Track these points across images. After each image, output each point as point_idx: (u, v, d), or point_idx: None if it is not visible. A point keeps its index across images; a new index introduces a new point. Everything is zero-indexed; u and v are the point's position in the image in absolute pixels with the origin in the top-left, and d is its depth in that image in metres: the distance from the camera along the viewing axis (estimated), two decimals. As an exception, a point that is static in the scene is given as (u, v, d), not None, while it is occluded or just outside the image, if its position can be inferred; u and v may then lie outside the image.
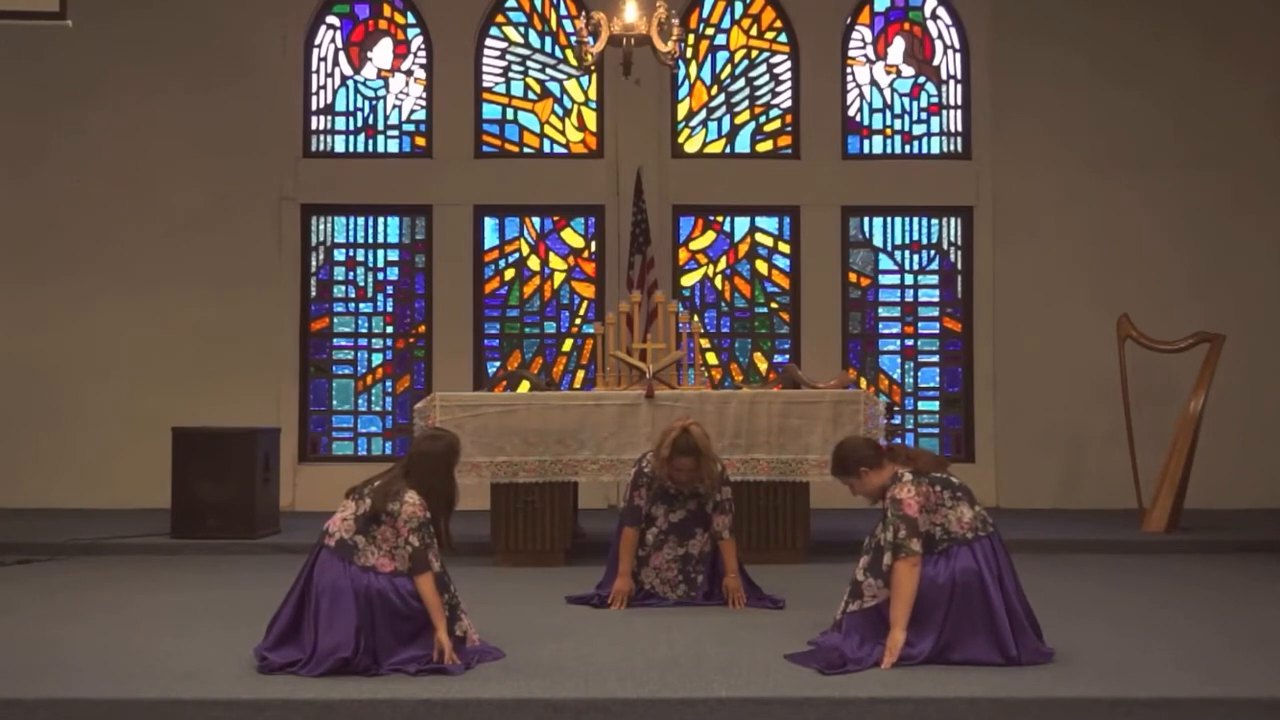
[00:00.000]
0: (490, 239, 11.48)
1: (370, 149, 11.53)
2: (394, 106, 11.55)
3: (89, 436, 10.97)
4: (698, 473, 6.19)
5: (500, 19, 11.61)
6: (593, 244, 11.47)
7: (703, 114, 11.59)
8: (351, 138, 11.55)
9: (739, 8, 11.62)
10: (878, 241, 11.52)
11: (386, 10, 11.60)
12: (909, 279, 11.50)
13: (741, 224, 11.52)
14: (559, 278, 11.48)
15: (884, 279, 11.50)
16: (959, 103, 11.55)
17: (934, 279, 11.51)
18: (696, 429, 6.22)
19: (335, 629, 4.71)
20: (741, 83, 11.59)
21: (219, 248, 11.17)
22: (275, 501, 9.22)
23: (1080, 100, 11.30)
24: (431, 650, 4.77)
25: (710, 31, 11.63)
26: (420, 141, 11.52)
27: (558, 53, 11.61)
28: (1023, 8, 11.37)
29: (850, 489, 5.27)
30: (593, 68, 10.49)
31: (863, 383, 11.18)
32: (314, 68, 11.54)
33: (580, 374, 11.35)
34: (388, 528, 4.86)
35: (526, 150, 11.56)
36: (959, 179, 11.37)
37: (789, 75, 11.56)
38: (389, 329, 11.46)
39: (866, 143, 11.57)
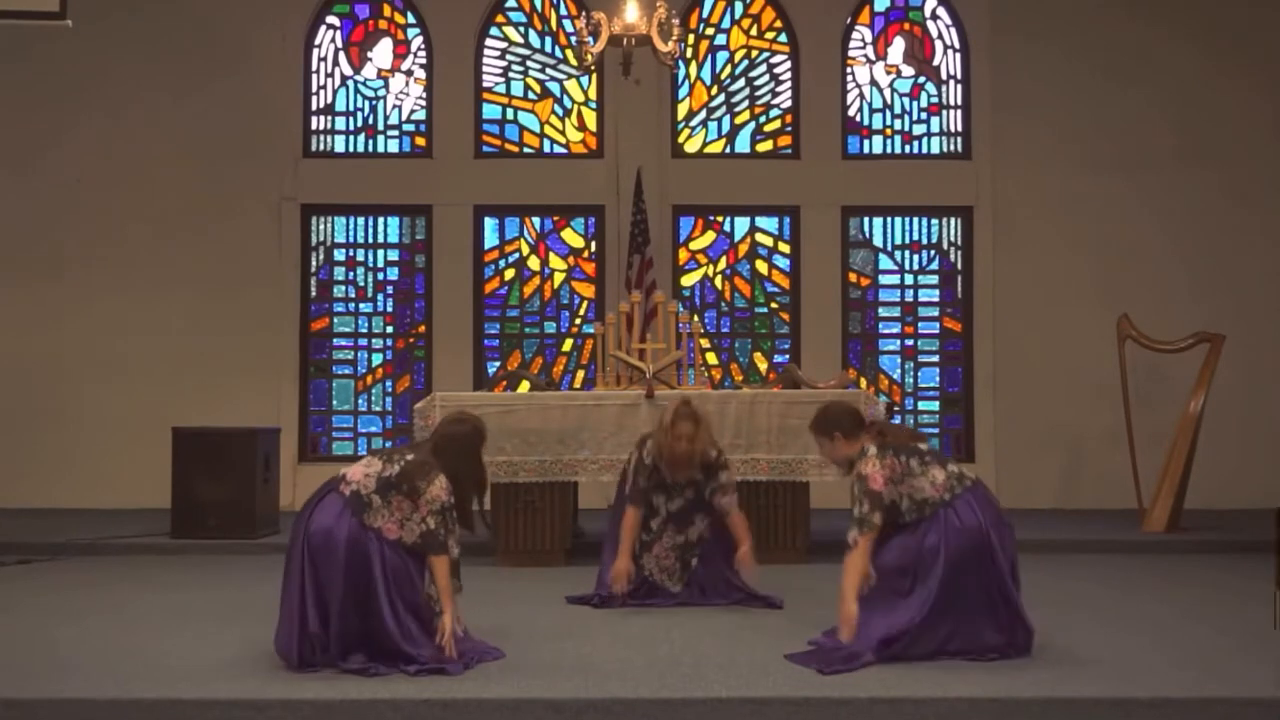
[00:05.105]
0: (490, 239, 11.49)
1: (370, 149, 11.53)
2: (394, 106, 11.55)
3: (89, 436, 10.97)
4: (695, 444, 6.17)
5: (500, 19, 11.61)
6: (593, 244, 11.47)
7: (703, 114, 11.59)
8: (351, 138, 11.55)
9: (739, 8, 11.62)
10: (878, 241, 11.52)
11: (386, 10, 11.60)
12: (909, 279, 11.50)
13: (741, 224, 11.52)
14: (559, 278, 11.48)
15: (884, 279, 11.50)
16: (959, 103, 11.55)
17: (934, 279, 11.51)
18: (695, 401, 6.38)
19: (321, 601, 4.76)
20: (741, 83, 11.59)
21: (219, 248, 11.18)
22: (275, 501, 9.21)
23: (1080, 100, 11.30)
24: (429, 645, 4.77)
25: (710, 31, 11.63)
26: (420, 141, 11.52)
27: (558, 53, 11.61)
28: (1022, 7, 11.37)
29: (820, 449, 5.38)
30: (593, 68, 10.49)
31: (863, 383, 11.18)
32: (314, 68, 11.54)
33: (580, 374, 11.35)
34: (407, 501, 4.87)
35: (526, 150, 11.56)
36: (959, 179, 11.37)
37: (789, 75, 11.56)
38: (389, 329, 11.46)
39: (866, 143, 11.57)
